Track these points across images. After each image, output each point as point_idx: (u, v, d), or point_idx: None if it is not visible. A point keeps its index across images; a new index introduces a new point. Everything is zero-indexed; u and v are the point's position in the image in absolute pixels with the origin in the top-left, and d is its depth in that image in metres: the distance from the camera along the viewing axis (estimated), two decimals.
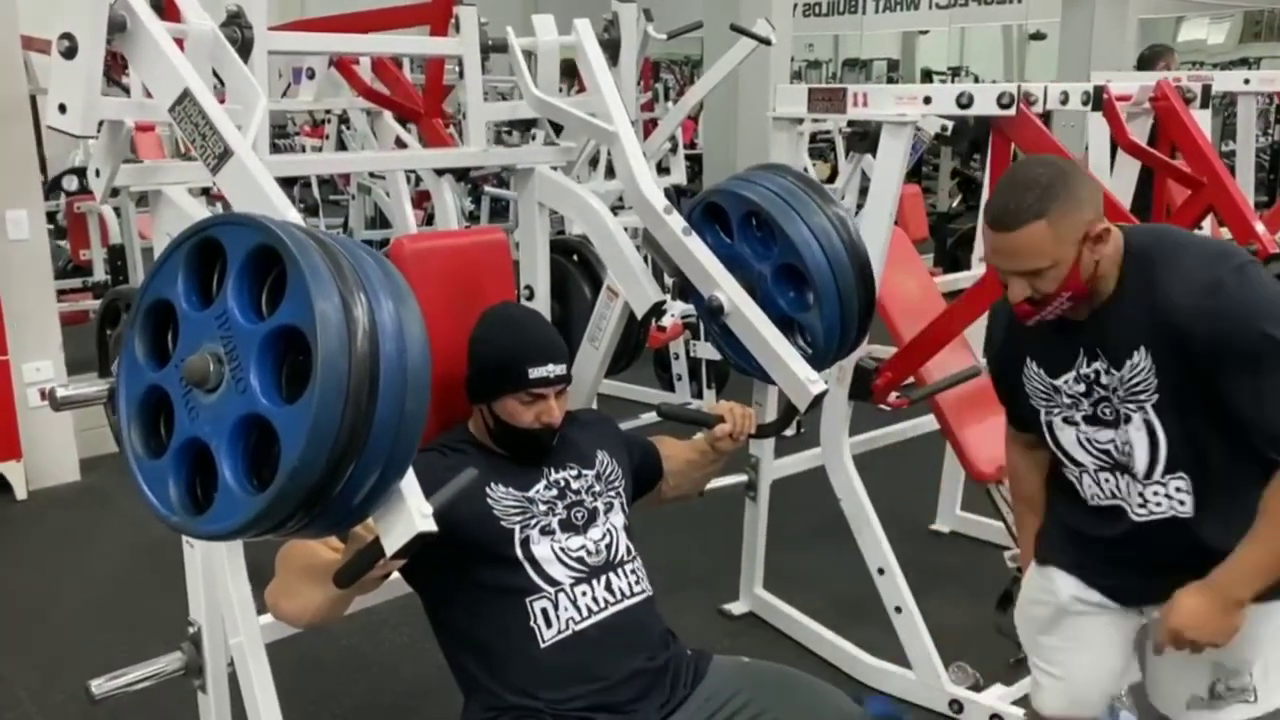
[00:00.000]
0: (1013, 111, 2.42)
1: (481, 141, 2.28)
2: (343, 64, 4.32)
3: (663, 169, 5.86)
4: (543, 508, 1.83)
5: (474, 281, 2.11)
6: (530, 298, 2.32)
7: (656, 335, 4.07)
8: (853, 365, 2.76)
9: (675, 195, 5.93)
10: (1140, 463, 1.69)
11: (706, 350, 4.65)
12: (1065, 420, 1.76)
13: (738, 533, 3.14)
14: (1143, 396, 1.65)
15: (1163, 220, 2.79)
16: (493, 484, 1.81)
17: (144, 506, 1.29)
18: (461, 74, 2.27)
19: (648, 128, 5.92)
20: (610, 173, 5.26)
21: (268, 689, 1.84)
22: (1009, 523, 2.53)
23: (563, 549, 1.80)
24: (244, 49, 1.87)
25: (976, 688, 2.68)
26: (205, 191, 2.70)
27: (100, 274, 5.82)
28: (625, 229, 2.18)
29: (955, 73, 15.18)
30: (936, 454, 3.64)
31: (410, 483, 1.31)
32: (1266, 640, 1.68)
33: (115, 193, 1.74)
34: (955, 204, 8.03)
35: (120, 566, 3.58)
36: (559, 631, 1.76)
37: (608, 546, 1.85)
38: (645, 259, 2.16)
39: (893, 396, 2.76)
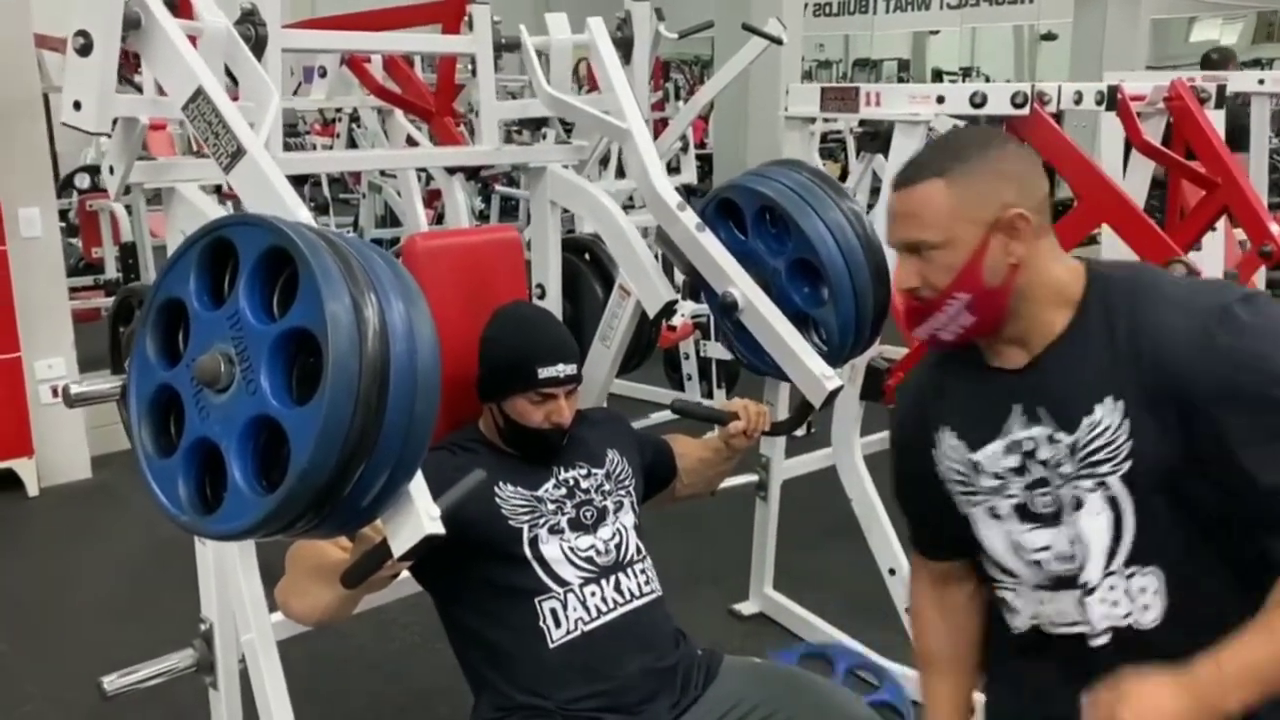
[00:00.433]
0: (1026, 111, 2.42)
1: (494, 140, 2.28)
2: (354, 62, 4.33)
3: (673, 168, 5.85)
4: (551, 507, 1.82)
5: (486, 280, 2.11)
6: (542, 296, 2.32)
7: (667, 335, 4.07)
8: (864, 365, 2.75)
9: (685, 195, 5.90)
10: (1094, 562, 1.31)
11: (717, 350, 4.64)
12: (990, 513, 1.38)
13: (748, 532, 3.13)
14: (1105, 467, 1.28)
15: (1177, 221, 2.78)
16: (501, 483, 1.80)
17: (155, 504, 1.29)
18: (473, 72, 2.28)
19: (658, 127, 5.93)
20: (621, 172, 5.26)
21: (279, 686, 1.84)
22: None
23: (572, 548, 1.80)
24: (258, 47, 1.88)
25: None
26: (217, 189, 2.71)
27: (112, 271, 5.83)
28: (637, 228, 2.18)
29: (966, 73, 15.19)
30: None
31: (419, 485, 1.30)
32: None
33: (127, 190, 1.74)
34: None
35: (131, 563, 3.59)
36: (568, 632, 1.75)
37: (617, 546, 1.84)
38: (657, 257, 2.16)
39: None
